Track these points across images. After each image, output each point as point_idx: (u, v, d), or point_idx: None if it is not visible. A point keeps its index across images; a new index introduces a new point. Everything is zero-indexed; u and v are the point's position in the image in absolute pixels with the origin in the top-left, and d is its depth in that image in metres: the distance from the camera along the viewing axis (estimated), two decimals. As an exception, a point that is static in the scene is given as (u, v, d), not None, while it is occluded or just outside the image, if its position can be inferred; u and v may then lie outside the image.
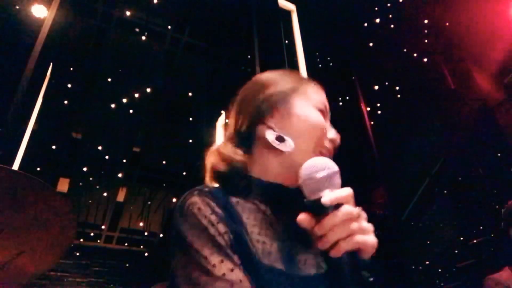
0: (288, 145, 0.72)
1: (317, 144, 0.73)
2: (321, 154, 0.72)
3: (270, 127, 0.74)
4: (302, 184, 0.59)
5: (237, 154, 0.74)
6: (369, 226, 0.57)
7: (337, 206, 0.54)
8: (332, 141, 0.76)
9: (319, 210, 0.55)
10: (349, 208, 0.54)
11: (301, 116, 0.74)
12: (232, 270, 0.55)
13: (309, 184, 0.57)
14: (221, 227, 0.59)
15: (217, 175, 0.75)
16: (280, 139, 0.73)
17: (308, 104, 0.76)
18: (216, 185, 0.75)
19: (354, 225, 0.54)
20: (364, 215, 0.58)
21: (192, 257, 0.56)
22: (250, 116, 0.77)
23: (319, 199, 0.55)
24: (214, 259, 0.55)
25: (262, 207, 0.69)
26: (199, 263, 0.55)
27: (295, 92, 0.78)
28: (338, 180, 0.57)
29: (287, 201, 0.70)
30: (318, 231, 0.54)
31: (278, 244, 0.65)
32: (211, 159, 0.77)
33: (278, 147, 0.72)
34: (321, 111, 0.76)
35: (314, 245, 0.56)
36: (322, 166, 0.57)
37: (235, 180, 0.72)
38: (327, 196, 0.54)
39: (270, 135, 0.73)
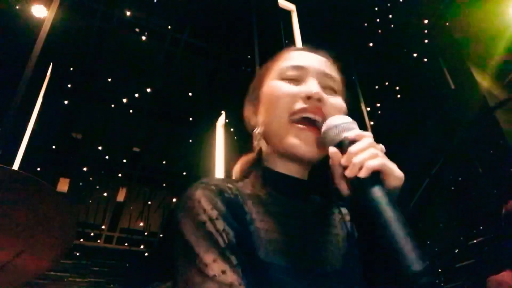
0: (257, 131, 0.75)
1: (288, 111, 0.68)
2: (302, 118, 0.67)
3: (250, 118, 0.79)
4: (323, 136, 0.61)
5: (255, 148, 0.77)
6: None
7: None
8: (309, 98, 0.68)
9: (344, 147, 0.57)
10: (372, 139, 0.57)
11: (265, 95, 0.74)
12: (224, 272, 0.52)
13: (329, 131, 0.60)
14: (220, 224, 0.57)
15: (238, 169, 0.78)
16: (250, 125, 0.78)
17: (273, 79, 0.74)
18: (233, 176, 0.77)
19: (379, 151, 0.55)
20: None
21: (188, 253, 0.55)
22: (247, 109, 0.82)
23: (342, 138, 0.58)
24: (207, 258, 0.53)
25: (274, 200, 0.68)
26: (193, 260, 0.54)
27: (266, 73, 0.78)
28: (357, 128, 0.60)
29: (297, 193, 0.70)
30: (345, 161, 0.56)
31: (288, 242, 0.63)
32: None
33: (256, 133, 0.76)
34: (288, 79, 0.72)
35: (335, 197, 0.58)
36: (339, 117, 0.61)
37: (252, 172, 0.74)
38: (351, 132, 0.58)
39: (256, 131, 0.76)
